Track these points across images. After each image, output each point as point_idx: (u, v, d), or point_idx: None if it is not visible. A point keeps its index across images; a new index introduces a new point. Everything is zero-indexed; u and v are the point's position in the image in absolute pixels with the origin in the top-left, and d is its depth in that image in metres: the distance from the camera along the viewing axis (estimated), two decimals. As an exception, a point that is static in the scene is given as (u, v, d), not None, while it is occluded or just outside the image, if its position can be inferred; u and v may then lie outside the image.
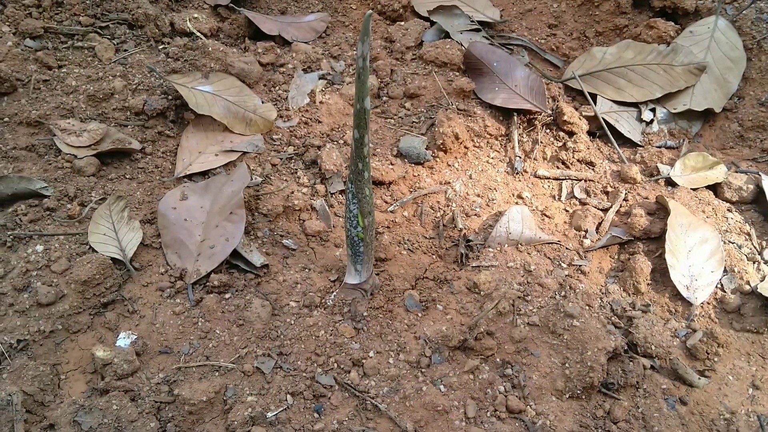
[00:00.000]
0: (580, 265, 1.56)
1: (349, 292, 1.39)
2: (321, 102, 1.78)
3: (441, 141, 1.68)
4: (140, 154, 1.61)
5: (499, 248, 1.56)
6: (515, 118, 1.85)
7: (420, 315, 1.39)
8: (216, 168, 1.65)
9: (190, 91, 1.71)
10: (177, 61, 1.80)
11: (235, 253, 1.46)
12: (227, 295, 1.38)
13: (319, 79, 1.84)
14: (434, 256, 1.57)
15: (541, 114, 1.84)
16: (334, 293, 1.39)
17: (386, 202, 1.65)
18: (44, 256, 1.47)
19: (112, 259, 1.40)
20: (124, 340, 1.39)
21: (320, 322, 1.34)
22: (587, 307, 1.56)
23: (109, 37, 1.96)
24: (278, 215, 1.57)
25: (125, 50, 1.80)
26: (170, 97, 1.69)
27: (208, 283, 1.39)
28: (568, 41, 2.30)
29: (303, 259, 1.50)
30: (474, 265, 1.52)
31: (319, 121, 1.79)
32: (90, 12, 2.00)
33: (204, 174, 1.62)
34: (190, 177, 1.60)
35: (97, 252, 1.50)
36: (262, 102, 1.74)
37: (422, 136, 1.73)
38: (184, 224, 1.47)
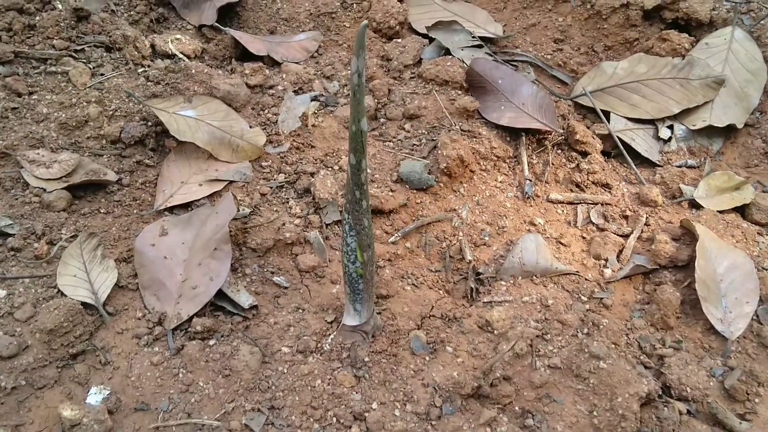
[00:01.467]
0: (601, 298, 1.43)
1: (348, 335, 1.30)
2: (314, 125, 1.66)
3: (445, 165, 1.58)
4: (116, 186, 1.48)
5: (512, 281, 1.43)
6: (523, 138, 1.77)
7: (428, 359, 1.28)
8: (200, 199, 1.56)
9: (171, 116, 1.58)
10: (158, 85, 1.68)
11: (221, 294, 1.37)
12: (211, 342, 1.25)
13: (312, 101, 1.72)
14: (441, 292, 1.48)
15: (551, 134, 1.73)
16: (332, 336, 1.28)
17: (387, 233, 1.55)
18: (7, 302, 1.33)
19: (83, 303, 1.26)
20: (95, 396, 1.24)
21: (316, 370, 1.20)
22: (613, 346, 1.41)
23: (84, 60, 1.84)
24: (268, 250, 1.48)
25: (102, 74, 1.67)
26: (150, 124, 1.59)
27: (190, 329, 1.26)
28: (576, 56, 2.18)
29: (296, 298, 1.38)
30: (485, 300, 1.41)
31: (312, 146, 1.68)
32: (64, 35, 1.88)
33: (187, 206, 1.52)
34: (171, 210, 1.51)
35: (66, 296, 1.35)
36: (250, 127, 1.62)
37: (424, 160, 1.63)
38: (163, 263, 1.33)
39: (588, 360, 1.36)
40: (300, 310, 1.39)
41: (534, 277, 1.48)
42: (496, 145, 1.73)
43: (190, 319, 1.33)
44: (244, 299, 1.36)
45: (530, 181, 1.71)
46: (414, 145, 1.74)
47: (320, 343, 1.30)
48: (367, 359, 1.27)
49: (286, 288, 1.44)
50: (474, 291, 1.46)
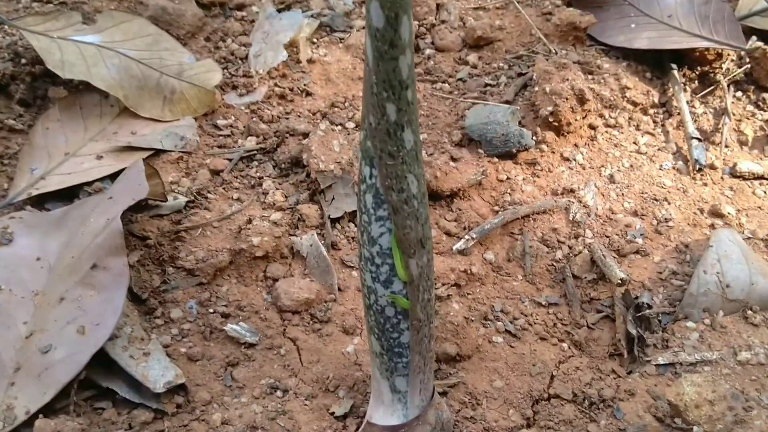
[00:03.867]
0: None
1: None
2: (310, 60, 1.15)
3: (550, 109, 1.03)
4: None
5: (708, 321, 0.87)
6: (675, 72, 1.19)
7: None
8: (94, 182, 0.95)
9: (54, 41, 1.08)
10: (48, 4, 0.97)
11: (107, 362, 0.76)
12: None
13: (306, 21, 1.18)
14: (566, 345, 0.87)
15: (722, 61, 1.19)
16: None
17: (449, 234, 0.97)
18: None
19: None
20: None
21: None
22: None
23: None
24: (219, 271, 0.88)
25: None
26: (23, 61, 1.08)
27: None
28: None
29: (272, 367, 0.81)
30: (660, 360, 0.83)
31: (308, 92, 1.13)
32: None
33: (70, 195, 0.94)
34: (40, 201, 0.93)
35: None
36: (196, 60, 1.10)
37: (509, 105, 1.06)
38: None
39: None
40: (278, 392, 0.79)
41: (750, 311, 0.87)
42: (629, 85, 1.15)
43: (33, 417, 0.71)
44: (157, 375, 0.74)
45: (699, 141, 1.10)
46: (487, 85, 1.15)
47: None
48: None
49: (252, 346, 0.83)
50: (637, 341, 0.84)
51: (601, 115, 1.10)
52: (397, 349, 0.67)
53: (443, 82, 1.15)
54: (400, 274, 0.62)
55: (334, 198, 0.93)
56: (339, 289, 0.87)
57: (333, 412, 0.75)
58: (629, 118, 1.12)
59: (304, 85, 1.10)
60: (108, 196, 0.83)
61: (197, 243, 0.88)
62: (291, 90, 1.10)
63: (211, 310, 0.83)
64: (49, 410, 0.71)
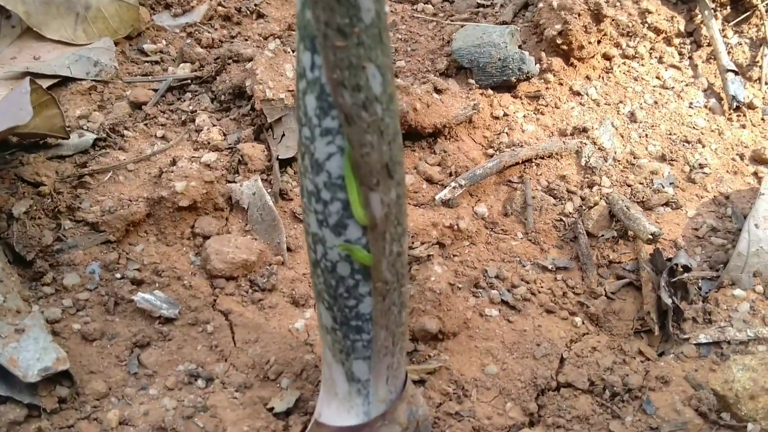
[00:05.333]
0: None
1: None
2: None
3: (557, 29, 0.86)
4: None
5: (762, 288, 0.70)
6: None
7: None
8: None
9: None
10: None
11: None
12: None
13: None
14: (578, 319, 0.70)
15: None
16: None
17: (429, 181, 0.80)
18: None
19: None
20: None
21: None
22: None
23: None
24: (132, 225, 0.69)
25: None
26: None
27: None
28: None
29: (194, 348, 0.63)
30: (702, 339, 0.67)
31: (260, 14, 0.95)
32: None
33: None
34: None
35: None
36: None
37: (508, 25, 0.90)
38: None
39: None
40: (200, 381, 0.62)
41: None
42: (651, 8, 0.98)
43: None
44: (31, 358, 0.57)
45: (736, 75, 0.94)
46: (479, 6, 0.99)
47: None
48: None
49: (168, 321, 0.65)
50: (671, 314, 0.67)
51: (618, 45, 0.93)
52: (355, 322, 0.50)
53: (426, 2, 0.97)
54: (356, 214, 0.45)
55: (284, 134, 0.75)
56: (288, 249, 0.70)
57: (272, 408, 0.57)
58: (651, 49, 0.95)
59: (255, 5, 0.91)
60: (-21, 123, 0.64)
61: (105, 190, 0.69)
62: (238, 11, 0.92)
63: (119, 276, 0.66)
64: None
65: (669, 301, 0.66)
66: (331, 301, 0.52)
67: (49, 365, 0.56)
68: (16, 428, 0.55)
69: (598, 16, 0.84)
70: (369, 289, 0.52)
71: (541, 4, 0.86)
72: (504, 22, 0.89)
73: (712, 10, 1.03)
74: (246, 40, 0.88)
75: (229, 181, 0.74)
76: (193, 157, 0.74)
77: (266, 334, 0.64)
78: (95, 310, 0.64)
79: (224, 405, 0.58)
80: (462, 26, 0.89)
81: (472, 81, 0.85)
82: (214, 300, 0.67)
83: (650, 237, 0.68)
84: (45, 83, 0.85)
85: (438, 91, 0.82)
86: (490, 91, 0.85)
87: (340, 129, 0.45)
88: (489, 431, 0.60)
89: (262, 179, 0.74)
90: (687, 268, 0.69)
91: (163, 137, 0.77)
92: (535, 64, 0.85)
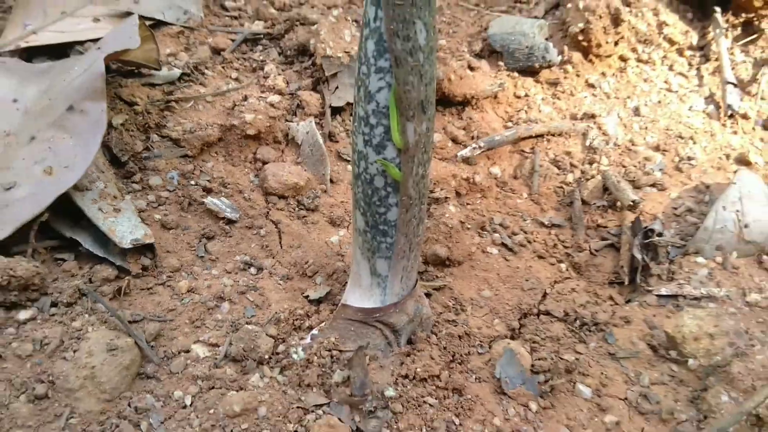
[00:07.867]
0: None
1: (354, 329, 0.68)
2: None
3: (580, 26, 0.99)
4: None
5: (720, 259, 0.83)
6: (718, 16, 1.15)
7: (534, 408, 0.66)
8: (85, 42, 0.92)
9: None
10: None
11: (73, 211, 0.72)
12: (22, 316, 0.64)
13: None
14: (564, 265, 0.85)
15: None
16: (315, 330, 0.69)
17: (456, 141, 0.93)
18: None
19: None
20: None
21: (265, 408, 0.60)
22: None
23: None
24: (206, 145, 0.84)
25: None
26: None
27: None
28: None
29: (249, 245, 0.78)
30: (664, 292, 0.79)
31: None
32: None
33: (59, 52, 0.91)
34: (29, 53, 0.89)
35: None
36: None
37: (539, 19, 1.03)
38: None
39: None
40: (252, 269, 0.77)
41: (765, 256, 0.84)
42: (668, 21, 1.10)
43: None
44: (125, 231, 0.71)
45: (735, 86, 1.07)
46: (517, 1, 1.13)
47: (286, 344, 0.68)
48: (392, 393, 0.63)
49: (230, 222, 0.79)
50: (640, 270, 0.81)
51: (634, 49, 1.06)
52: (383, 226, 0.64)
53: (469, -7, 1.11)
54: (395, 138, 0.59)
55: (338, 87, 0.90)
56: (331, 181, 0.85)
57: (307, 296, 0.72)
58: (663, 57, 1.08)
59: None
60: (96, 47, 0.80)
61: (187, 115, 0.85)
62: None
63: (193, 183, 0.81)
64: (3, 251, 0.68)
65: (640, 257, 0.80)
66: (365, 208, 0.66)
67: (139, 237, 0.71)
68: (108, 284, 0.71)
69: (616, 20, 0.97)
70: (396, 201, 0.64)
71: (569, 5, 1.00)
72: (536, 17, 1.02)
73: (724, 30, 1.15)
74: (312, 7, 1.03)
75: (288, 121, 0.89)
76: (260, 96, 0.90)
77: (307, 243, 0.79)
78: (173, 207, 0.80)
79: (270, 288, 0.73)
80: (499, 16, 1.04)
81: (501, 63, 0.98)
82: (267, 212, 0.83)
83: (631, 203, 0.82)
84: (145, 23, 1.01)
85: (471, 68, 0.96)
86: (515, 74, 0.99)
87: (390, 69, 0.59)
88: (477, 337, 0.74)
89: (315, 122, 0.89)
90: (660, 234, 0.83)
91: (236, 79, 0.92)
92: (558, 55, 0.98)
